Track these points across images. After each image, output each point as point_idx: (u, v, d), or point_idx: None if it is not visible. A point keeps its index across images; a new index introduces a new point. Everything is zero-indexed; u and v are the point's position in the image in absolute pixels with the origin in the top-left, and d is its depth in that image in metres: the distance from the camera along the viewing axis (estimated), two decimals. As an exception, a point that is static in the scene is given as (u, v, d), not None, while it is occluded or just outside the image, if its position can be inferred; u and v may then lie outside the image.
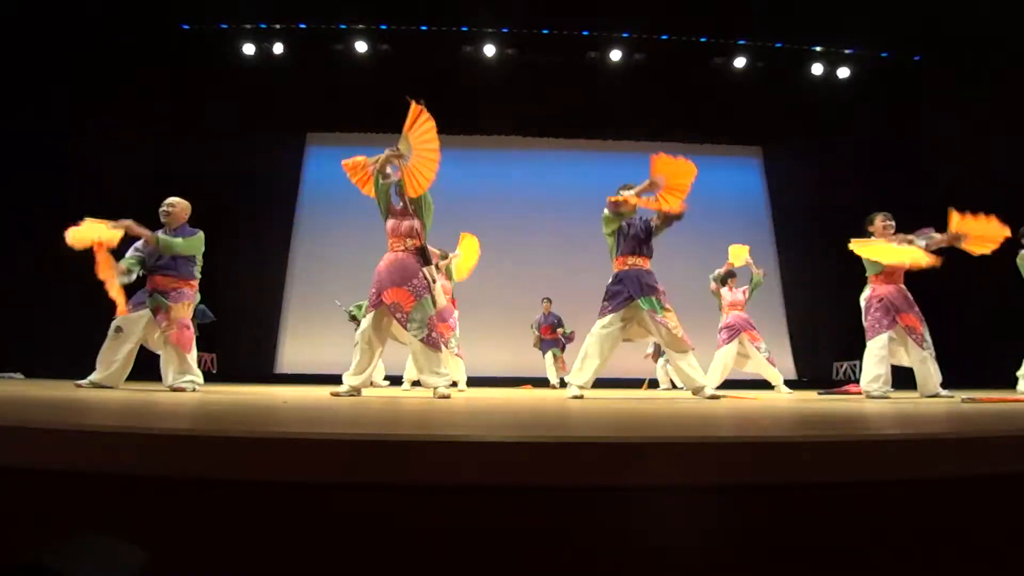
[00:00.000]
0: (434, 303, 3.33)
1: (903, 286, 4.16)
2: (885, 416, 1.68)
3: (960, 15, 6.66)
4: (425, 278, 3.28)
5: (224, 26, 7.86)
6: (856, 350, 7.75)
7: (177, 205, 3.83)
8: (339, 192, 8.79)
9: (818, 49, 8.27)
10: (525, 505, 0.81)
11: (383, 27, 7.89)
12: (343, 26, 7.87)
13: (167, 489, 0.82)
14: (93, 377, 3.56)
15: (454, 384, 4.53)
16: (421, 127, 3.23)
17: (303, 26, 7.92)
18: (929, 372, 3.94)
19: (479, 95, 8.37)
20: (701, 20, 7.85)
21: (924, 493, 0.87)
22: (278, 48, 8.02)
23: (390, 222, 3.41)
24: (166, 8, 7.38)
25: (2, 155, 6.71)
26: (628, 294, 3.58)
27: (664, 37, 8.09)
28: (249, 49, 8.02)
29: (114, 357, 3.59)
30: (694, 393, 3.64)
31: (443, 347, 3.68)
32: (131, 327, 3.64)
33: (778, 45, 8.25)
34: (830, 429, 1.20)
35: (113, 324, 3.62)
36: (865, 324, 4.12)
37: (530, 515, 0.81)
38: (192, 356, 3.69)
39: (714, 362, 5.49)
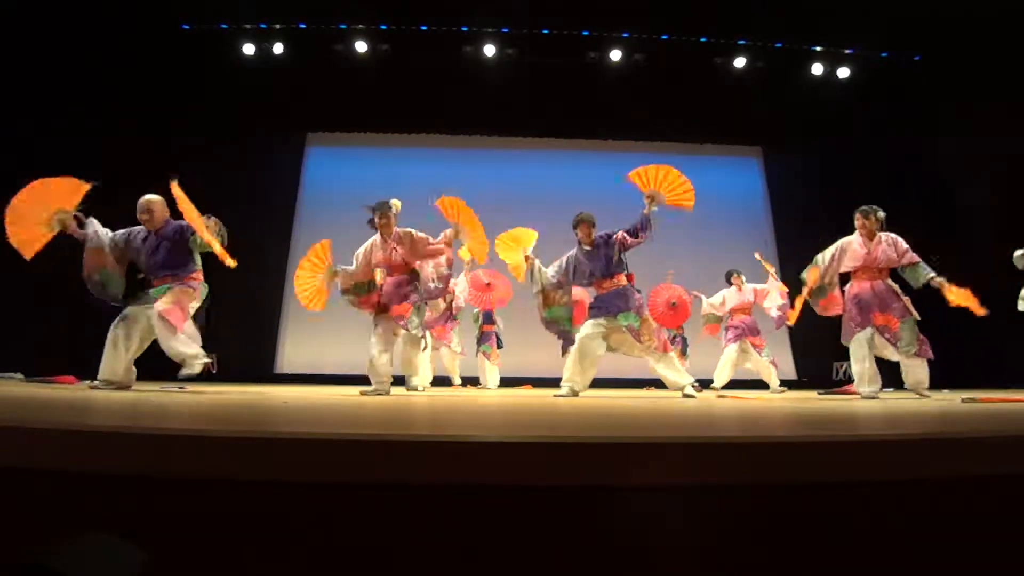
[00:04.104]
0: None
1: (886, 282, 3.96)
2: (884, 416, 1.68)
3: (960, 15, 6.66)
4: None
5: (224, 26, 7.85)
6: (856, 350, 7.74)
7: (156, 205, 3.78)
8: (339, 192, 8.84)
9: (818, 49, 8.26)
10: (525, 505, 0.81)
11: (383, 27, 7.88)
12: (343, 26, 7.87)
13: (167, 489, 0.82)
14: (109, 376, 3.41)
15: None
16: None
17: (303, 26, 7.91)
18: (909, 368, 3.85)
19: (479, 95, 8.36)
20: (701, 20, 7.85)
21: (923, 493, 0.87)
22: (278, 48, 8.01)
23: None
24: (166, 8, 7.38)
25: (0, 154, 6.71)
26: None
27: (664, 37, 8.09)
28: (249, 49, 8.01)
29: (120, 354, 3.44)
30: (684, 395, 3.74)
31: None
32: (137, 316, 3.51)
33: (778, 45, 8.25)
34: (830, 429, 1.20)
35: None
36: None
37: (530, 515, 0.81)
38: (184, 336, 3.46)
39: (721, 360, 5.82)
